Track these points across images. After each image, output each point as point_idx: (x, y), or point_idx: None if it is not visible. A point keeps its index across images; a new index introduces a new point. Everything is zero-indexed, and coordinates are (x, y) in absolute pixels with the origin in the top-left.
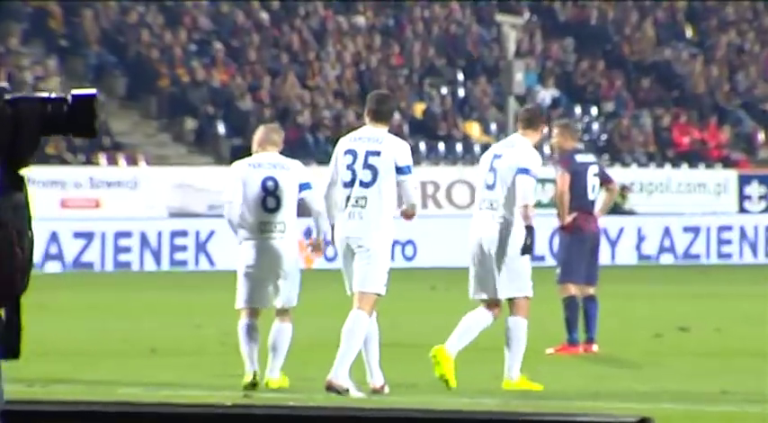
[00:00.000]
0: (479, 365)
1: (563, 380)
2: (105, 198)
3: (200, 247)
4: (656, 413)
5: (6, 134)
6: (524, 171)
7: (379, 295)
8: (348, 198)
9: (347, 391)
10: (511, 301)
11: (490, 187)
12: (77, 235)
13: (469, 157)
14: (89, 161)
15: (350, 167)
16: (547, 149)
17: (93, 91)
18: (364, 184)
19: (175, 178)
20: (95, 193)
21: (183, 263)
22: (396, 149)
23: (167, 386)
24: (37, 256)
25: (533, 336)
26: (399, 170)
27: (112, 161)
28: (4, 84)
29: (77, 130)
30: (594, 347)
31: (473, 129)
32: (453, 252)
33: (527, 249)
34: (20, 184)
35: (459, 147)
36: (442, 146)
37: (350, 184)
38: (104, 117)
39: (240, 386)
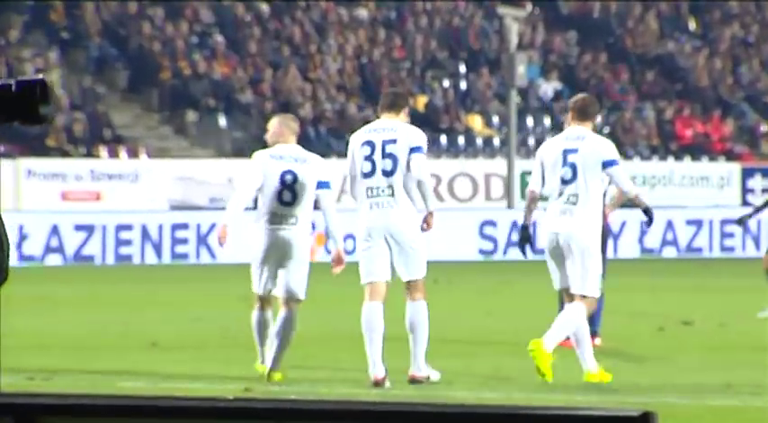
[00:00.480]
0: (479, 359)
1: (565, 373)
2: (106, 191)
3: (202, 241)
4: (660, 407)
5: None
6: (612, 163)
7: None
8: (370, 189)
9: (428, 378)
10: (581, 296)
11: (568, 182)
12: (78, 228)
13: (471, 150)
14: (90, 154)
15: (368, 158)
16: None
17: (39, 77)
18: (387, 173)
19: (176, 171)
20: (96, 185)
21: (185, 256)
22: (410, 134)
23: (168, 379)
24: (38, 248)
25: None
26: (412, 150)
27: (113, 154)
28: None
29: (23, 116)
30: (597, 341)
31: (475, 121)
32: (456, 245)
33: (650, 223)
34: None
35: (461, 139)
36: (443, 139)
37: (370, 175)
38: (105, 109)
39: (241, 379)
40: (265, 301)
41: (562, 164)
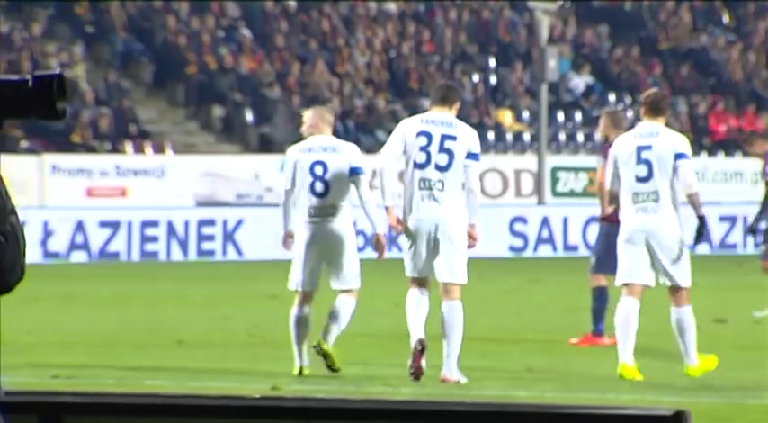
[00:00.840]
0: (510, 357)
1: (597, 371)
2: (132, 187)
3: (228, 237)
4: (693, 406)
5: None
6: (682, 156)
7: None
8: (423, 180)
9: (458, 382)
10: (675, 289)
11: (644, 179)
12: (103, 224)
13: (501, 146)
14: (115, 149)
15: (424, 149)
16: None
17: (57, 72)
18: (440, 168)
19: (203, 167)
20: (122, 181)
21: (211, 253)
22: (469, 136)
23: (194, 377)
24: (62, 245)
25: (570, 326)
26: (469, 155)
27: (139, 149)
28: None
29: (39, 112)
30: (606, 340)
31: (505, 116)
32: (485, 242)
33: (700, 237)
34: None
35: (490, 135)
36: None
37: (424, 166)
38: (131, 104)
39: (268, 377)
40: (306, 297)
41: (636, 161)
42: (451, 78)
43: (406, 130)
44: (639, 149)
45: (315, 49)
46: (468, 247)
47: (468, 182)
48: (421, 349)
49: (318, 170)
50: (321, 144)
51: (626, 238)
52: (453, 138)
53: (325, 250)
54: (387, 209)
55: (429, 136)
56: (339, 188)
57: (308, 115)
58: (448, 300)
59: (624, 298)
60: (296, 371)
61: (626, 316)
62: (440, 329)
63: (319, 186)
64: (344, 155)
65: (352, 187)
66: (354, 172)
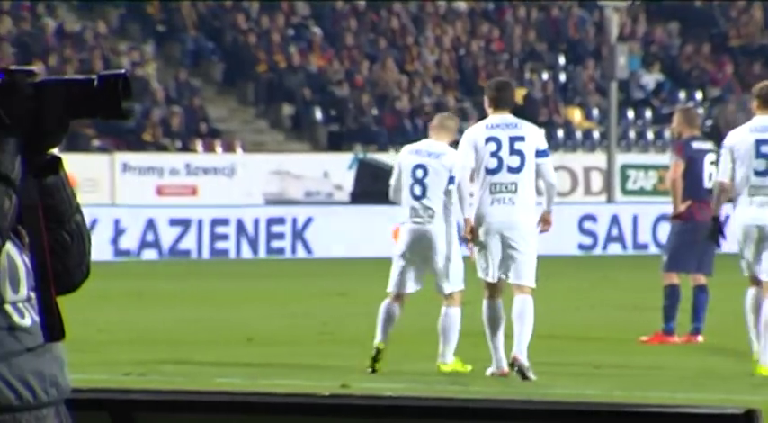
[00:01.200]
0: (579, 355)
1: (667, 370)
2: (202, 185)
3: (297, 235)
4: (765, 405)
5: (28, 116)
6: None
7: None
8: (494, 185)
9: (528, 368)
10: None
11: (763, 174)
12: (174, 222)
13: (570, 144)
14: (186, 148)
15: (495, 155)
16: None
17: (122, 71)
18: (513, 170)
19: (272, 165)
20: (192, 179)
21: (280, 251)
22: (536, 134)
23: (264, 375)
24: (133, 243)
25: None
26: (539, 154)
27: (209, 148)
28: (35, 68)
29: (104, 112)
30: (699, 338)
31: (574, 114)
32: (554, 240)
33: None
34: (53, 165)
35: (560, 133)
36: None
37: (496, 171)
38: (201, 103)
39: (338, 375)
40: (399, 298)
41: (755, 155)
42: (520, 76)
43: (475, 138)
44: (758, 143)
45: (384, 48)
46: (542, 231)
47: (545, 178)
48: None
49: (419, 173)
50: (428, 148)
51: (742, 234)
52: (522, 138)
53: (420, 253)
54: (465, 220)
55: (497, 141)
56: (436, 193)
57: (433, 120)
58: (520, 294)
59: (751, 290)
60: (374, 346)
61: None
62: (512, 319)
63: (417, 189)
64: (445, 161)
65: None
66: (452, 181)
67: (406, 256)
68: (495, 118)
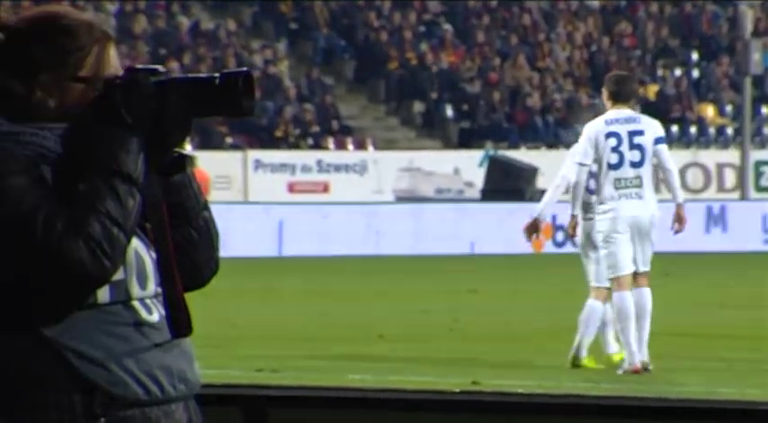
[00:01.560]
0: (711, 353)
1: None
2: (333, 182)
3: (427, 232)
4: None
5: (151, 114)
6: None
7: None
8: (618, 180)
9: (648, 364)
10: None
11: None
12: (304, 219)
13: (704, 140)
14: (317, 145)
15: (616, 150)
16: None
17: (244, 69)
18: (635, 164)
19: (403, 162)
20: (324, 177)
21: (413, 247)
22: (654, 126)
23: (395, 371)
24: (266, 240)
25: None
26: (657, 141)
27: (341, 145)
28: (159, 67)
29: (225, 110)
30: None
31: (708, 110)
32: (686, 236)
33: None
34: (179, 163)
35: (692, 129)
36: (675, 128)
37: (618, 166)
38: (333, 100)
39: (468, 372)
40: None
41: None
42: (653, 73)
43: (595, 134)
44: None
45: (515, 44)
46: (676, 232)
47: (663, 164)
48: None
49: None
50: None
51: None
52: (641, 132)
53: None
54: (573, 217)
55: (618, 136)
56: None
57: None
58: (639, 287)
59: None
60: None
61: None
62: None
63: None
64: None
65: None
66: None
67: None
68: (614, 113)
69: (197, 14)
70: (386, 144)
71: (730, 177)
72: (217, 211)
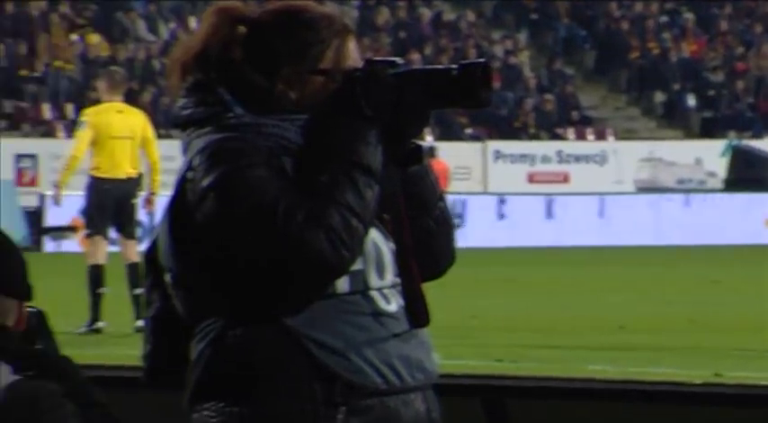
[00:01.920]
0: None
1: None
2: (573, 172)
3: (667, 221)
4: None
5: (389, 106)
6: None
7: None
8: None
9: None
10: None
11: None
12: (546, 210)
13: None
14: (557, 135)
15: None
16: None
17: (482, 60)
18: None
19: (644, 152)
20: (563, 167)
21: (654, 237)
22: None
23: (635, 363)
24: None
25: None
26: None
27: (580, 135)
28: (397, 59)
29: (462, 101)
30: None
31: None
32: None
33: None
34: (416, 154)
35: None
36: None
37: None
38: (573, 91)
39: (710, 364)
40: None
41: None
42: None
43: None
44: None
45: (759, 33)
46: None
47: None
48: None
49: None
50: None
51: None
52: None
53: None
54: None
55: None
56: None
57: None
58: None
59: None
60: None
61: None
62: None
63: None
64: None
65: None
66: None
67: None
68: None
69: (438, 6)
70: (626, 134)
71: None
72: (455, 202)
